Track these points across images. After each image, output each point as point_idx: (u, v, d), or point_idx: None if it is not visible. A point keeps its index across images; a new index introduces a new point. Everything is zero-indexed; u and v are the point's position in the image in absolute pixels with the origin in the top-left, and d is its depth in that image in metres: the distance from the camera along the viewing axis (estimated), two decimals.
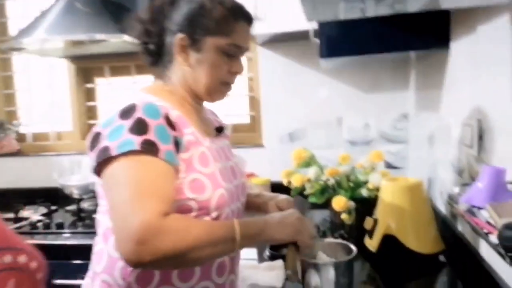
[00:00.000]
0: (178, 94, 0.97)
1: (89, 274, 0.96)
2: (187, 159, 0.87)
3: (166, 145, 0.81)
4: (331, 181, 1.58)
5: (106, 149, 0.79)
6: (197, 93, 0.96)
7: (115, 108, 0.85)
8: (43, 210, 2.04)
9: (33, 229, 1.80)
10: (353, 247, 1.01)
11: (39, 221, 1.87)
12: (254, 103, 2.12)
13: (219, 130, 1.09)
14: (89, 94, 2.31)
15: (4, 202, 2.11)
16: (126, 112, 0.83)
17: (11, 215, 1.93)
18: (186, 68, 0.94)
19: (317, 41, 1.36)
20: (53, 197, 2.10)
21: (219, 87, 0.96)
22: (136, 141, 0.78)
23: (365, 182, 1.53)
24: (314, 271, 0.96)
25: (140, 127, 0.80)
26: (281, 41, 1.91)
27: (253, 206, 1.15)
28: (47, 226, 1.81)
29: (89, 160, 0.83)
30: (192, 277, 0.90)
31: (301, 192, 1.62)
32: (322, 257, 1.02)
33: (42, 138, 2.39)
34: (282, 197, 1.10)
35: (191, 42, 0.92)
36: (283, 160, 1.91)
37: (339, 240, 1.07)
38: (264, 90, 2.03)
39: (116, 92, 2.26)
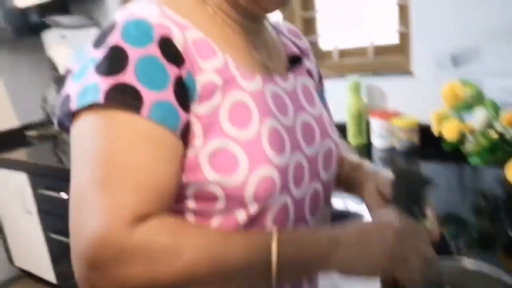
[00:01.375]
0: (210, 3, 0.59)
1: None
2: (207, 115, 0.51)
3: (157, 91, 0.48)
4: (511, 133, 1.00)
5: (66, 98, 0.50)
6: None
7: None
8: None
9: None
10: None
11: None
12: (404, 14, 1.53)
13: (294, 61, 0.68)
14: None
15: None
16: (101, 37, 0.51)
17: None
18: None
19: None
20: None
21: None
22: (102, 87, 0.46)
23: None
24: None
25: (112, 62, 0.47)
26: None
27: (344, 182, 0.73)
28: None
29: None
30: None
31: (457, 147, 1.08)
32: None
33: None
34: (386, 176, 0.65)
35: None
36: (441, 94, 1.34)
37: (486, 269, 0.58)
38: None
39: None
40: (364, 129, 1.55)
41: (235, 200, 0.52)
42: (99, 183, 0.45)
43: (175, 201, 0.54)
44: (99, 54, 0.49)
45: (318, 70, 0.78)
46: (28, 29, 2.06)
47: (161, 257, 0.44)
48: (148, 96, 0.47)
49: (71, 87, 0.50)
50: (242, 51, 0.59)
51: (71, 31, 1.99)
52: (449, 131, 1.04)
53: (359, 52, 1.66)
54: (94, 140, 0.47)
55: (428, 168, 1.32)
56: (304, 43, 0.75)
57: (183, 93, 0.50)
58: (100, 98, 0.46)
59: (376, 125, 1.50)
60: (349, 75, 1.57)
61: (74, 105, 0.48)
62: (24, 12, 2.05)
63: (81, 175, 0.47)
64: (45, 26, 2.04)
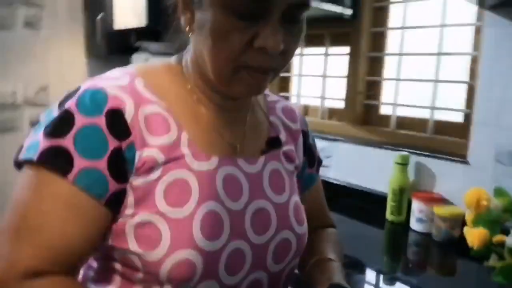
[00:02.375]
0: (190, 81, 0.62)
1: None
2: (142, 188, 0.54)
3: (90, 159, 0.51)
4: None
5: (21, 147, 0.56)
6: (210, 79, 0.59)
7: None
8: None
9: None
10: None
11: None
12: (470, 95, 1.43)
13: (274, 144, 0.68)
14: None
15: None
16: (66, 98, 0.56)
17: None
18: (193, 38, 0.59)
19: None
20: None
21: (235, 73, 0.55)
22: (40, 146, 0.52)
23: None
24: None
25: (58, 125, 0.53)
26: None
27: (307, 277, 0.70)
28: None
29: None
30: None
31: (483, 256, 0.97)
32: None
33: None
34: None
35: None
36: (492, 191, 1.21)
37: None
38: (486, 78, 1.32)
39: (308, 63, 1.96)
40: (404, 207, 1.45)
41: (151, 275, 0.54)
42: (9, 232, 0.50)
43: (105, 259, 0.57)
44: (55, 114, 0.54)
45: (313, 153, 0.77)
46: (121, 49, 2.29)
47: None
48: (79, 162, 0.51)
49: (28, 138, 0.55)
50: (208, 130, 0.61)
51: (154, 57, 2.18)
52: (472, 238, 0.94)
53: (418, 124, 1.57)
54: (21, 193, 0.52)
55: (459, 266, 1.20)
56: (297, 125, 0.74)
57: (120, 165, 0.53)
58: (35, 157, 0.51)
59: (417, 207, 1.40)
60: (402, 147, 1.50)
61: (20, 156, 0.54)
62: (120, 34, 2.29)
63: (5, 219, 0.52)
64: (135, 49, 2.26)
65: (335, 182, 1.70)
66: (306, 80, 1.96)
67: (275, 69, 0.58)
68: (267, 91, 0.75)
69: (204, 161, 0.58)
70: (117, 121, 0.53)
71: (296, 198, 0.69)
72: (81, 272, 0.63)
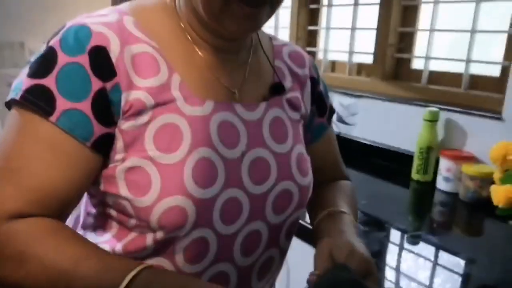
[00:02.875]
0: (183, 19, 0.58)
1: None
2: (131, 132, 0.52)
3: (73, 101, 0.49)
4: None
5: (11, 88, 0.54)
6: (202, 16, 0.55)
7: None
8: None
9: None
10: None
11: None
12: (510, 47, 1.31)
13: (277, 90, 0.65)
14: (313, 16, 1.99)
15: None
16: (52, 36, 0.54)
17: None
18: None
19: None
20: None
21: (225, 5, 0.51)
22: (23, 86, 0.50)
23: None
24: None
25: (41, 64, 0.51)
26: None
27: (314, 231, 0.67)
28: None
29: None
30: None
31: (508, 215, 0.91)
32: None
33: None
34: (350, 241, 0.56)
35: None
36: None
37: None
38: None
39: (337, 16, 1.86)
40: (431, 166, 1.39)
41: (143, 221, 0.52)
42: None
43: (102, 206, 0.56)
44: (40, 53, 0.52)
45: (323, 101, 0.72)
46: None
47: (6, 262, 0.47)
48: (62, 103, 0.49)
49: (16, 79, 0.53)
50: (204, 73, 0.57)
51: None
52: (498, 195, 0.88)
53: (452, 79, 1.48)
54: (5, 133, 0.51)
55: (486, 226, 1.15)
56: (305, 71, 0.69)
57: (105, 107, 0.50)
58: (18, 97, 0.49)
59: (445, 165, 1.34)
60: (432, 103, 1.42)
61: (8, 96, 0.52)
62: None
63: None
64: None
65: (360, 140, 1.65)
66: (334, 34, 1.87)
67: (270, 1, 0.53)
68: (273, 35, 0.70)
69: (197, 105, 0.55)
70: (101, 60, 0.50)
71: (300, 148, 0.65)
72: (81, 220, 0.63)
